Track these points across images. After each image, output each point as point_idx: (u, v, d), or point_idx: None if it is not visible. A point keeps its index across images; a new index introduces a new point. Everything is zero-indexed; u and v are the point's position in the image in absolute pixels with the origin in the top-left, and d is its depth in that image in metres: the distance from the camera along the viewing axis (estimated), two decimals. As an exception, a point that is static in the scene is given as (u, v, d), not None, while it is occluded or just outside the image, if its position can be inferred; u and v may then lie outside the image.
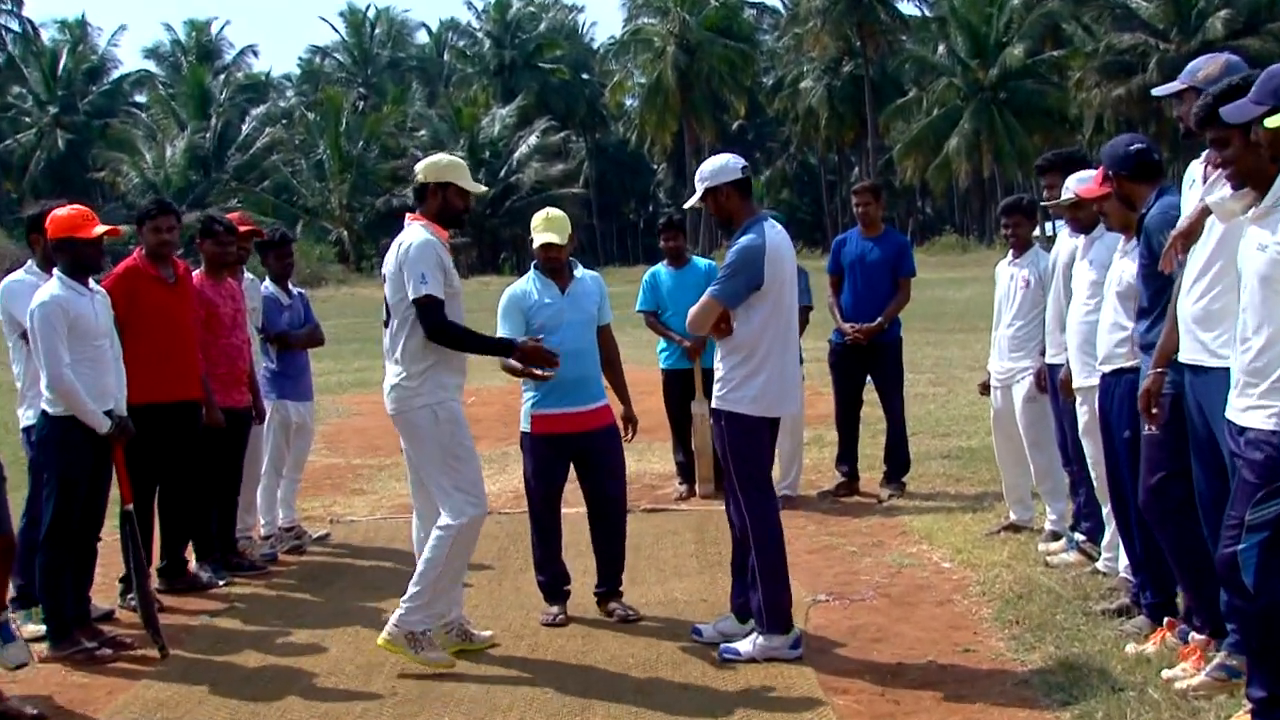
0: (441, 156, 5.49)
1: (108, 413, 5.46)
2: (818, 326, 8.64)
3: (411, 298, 5.07)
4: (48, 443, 5.48)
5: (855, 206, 8.63)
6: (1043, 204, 6.60)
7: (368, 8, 75.09)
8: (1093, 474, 5.81)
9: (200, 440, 6.56)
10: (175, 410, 6.36)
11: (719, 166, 5.23)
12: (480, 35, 71.57)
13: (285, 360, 7.58)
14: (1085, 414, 5.70)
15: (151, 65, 70.71)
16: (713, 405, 5.26)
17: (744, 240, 5.10)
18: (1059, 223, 6.51)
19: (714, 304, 5.10)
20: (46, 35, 67.32)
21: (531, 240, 5.94)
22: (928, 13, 61.56)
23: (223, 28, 71.55)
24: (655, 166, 71.90)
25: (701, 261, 8.59)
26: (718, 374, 5.23)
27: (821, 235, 63.47)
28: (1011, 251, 7.04)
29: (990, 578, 6.13)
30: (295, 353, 7.66)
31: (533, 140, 58.94)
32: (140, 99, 67.48)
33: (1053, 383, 6.36)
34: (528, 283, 5.91)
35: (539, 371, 5.38)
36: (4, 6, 64.80)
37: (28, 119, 61.92)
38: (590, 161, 69.34)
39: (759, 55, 66.69)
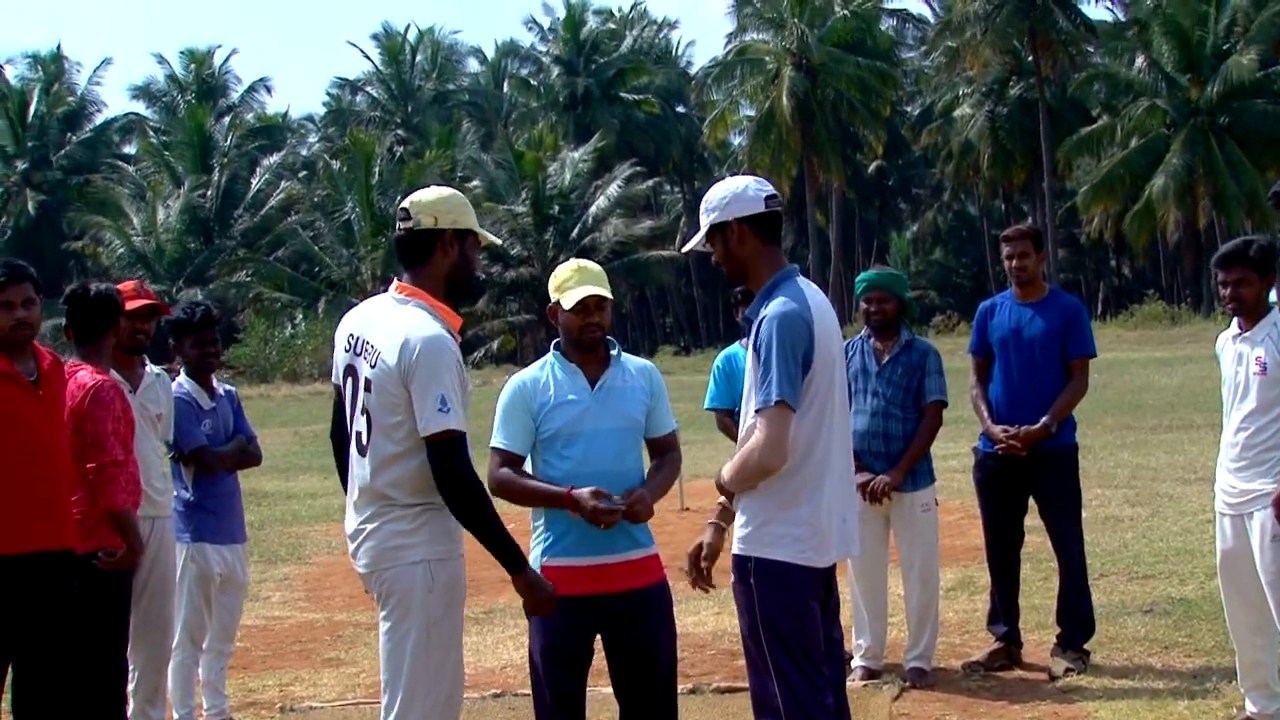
0: (452, 192, 4.95)
1: None
2: (954, 427, 8.01)
3: (427, 432, 4.59)
4: None
5: (1006, 259, 8.20)
6: None
7: (407, 30, 77.40)
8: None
9: (69, 607, 5.92)
10: (26, 565, 5.71)
11: (732, 193, 4.90)
12: (546, 61, 73.23)
13: (204, 488, 7.23)
14: (1355, 565, 5.19)
15: (141, 107, 73.54)
16: (734, 551, 4.81)
17: (776, 308, 4.78)
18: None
19: (783, 414, 4.62)
20: (14, 73, 70.24)
21: (555, 308, 5.38)
22: (1121, 15, 61.27)
23: (227, 58, 73.70)
24: (770, 221, 72.32)
25: None
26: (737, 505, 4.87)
27: (987, 304, 62.53)
28: (1237, 321, 6.55)
29: (1215, 807, 5.65)
30: (219, 477, 7.30)
31: (614, 190, 59.55)
32: (128, 149, 69.97)
33: (1300, 515, 5.90)
34: (543, 369, 5.39)
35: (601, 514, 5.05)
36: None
37: (-9, 178, 64.41)
38: (688, 216, 69.84)
39: (901, 76, 66.86)
